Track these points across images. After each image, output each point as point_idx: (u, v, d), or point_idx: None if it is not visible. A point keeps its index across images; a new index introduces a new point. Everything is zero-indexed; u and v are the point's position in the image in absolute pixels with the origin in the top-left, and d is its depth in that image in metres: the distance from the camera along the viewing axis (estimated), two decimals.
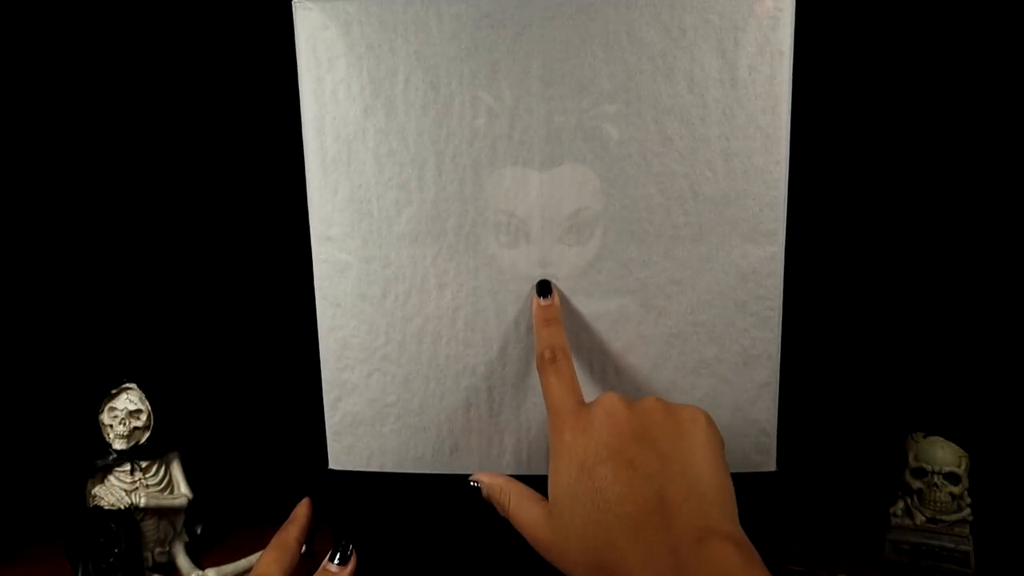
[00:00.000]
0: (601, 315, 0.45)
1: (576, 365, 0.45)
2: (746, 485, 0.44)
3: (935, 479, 0.53)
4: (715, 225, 0.44)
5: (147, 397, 0.55)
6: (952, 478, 0.53)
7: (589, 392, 0.46)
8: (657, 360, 0.45)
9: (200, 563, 0.58)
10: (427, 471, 0.47)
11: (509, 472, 0.47)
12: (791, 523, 0.48)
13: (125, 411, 0.55)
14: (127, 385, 0.56)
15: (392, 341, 0.46)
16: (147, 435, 0.56)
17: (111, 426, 0.56)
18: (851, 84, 0.59)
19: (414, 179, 0.44)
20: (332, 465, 0.48)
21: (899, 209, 0.61)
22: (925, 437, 0.55)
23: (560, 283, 0.45)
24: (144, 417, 0.56)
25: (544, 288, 0.44)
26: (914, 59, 0.58)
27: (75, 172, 0.62)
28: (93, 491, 0.56)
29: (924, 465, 0.54)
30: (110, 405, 0.56)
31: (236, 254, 0.63)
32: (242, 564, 0.57)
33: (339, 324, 0.46)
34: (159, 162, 0.62)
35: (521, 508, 0.38)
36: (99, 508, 0.55)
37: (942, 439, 0.54)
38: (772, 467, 0.46)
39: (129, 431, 0.55)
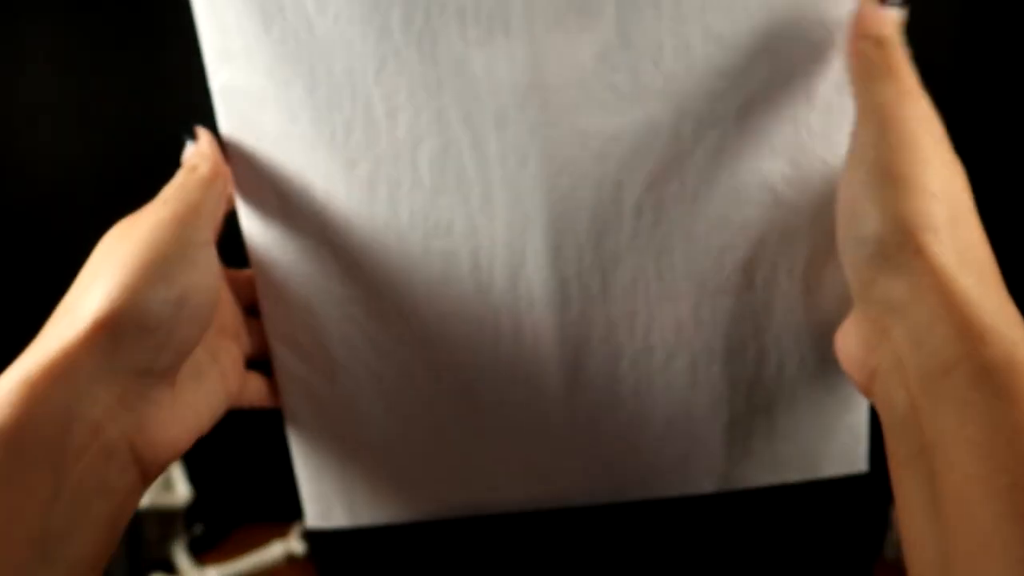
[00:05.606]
0: (619, 134, 0.32)
1: (591, 203, 0.33)
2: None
3: None
4: None
5: None
6: None
7: (610, 247, 0.33)
8: (700, 187, 0.32)
9: (200, 563, 0.56)
10: (401, 372, 0.35)
11: (507, 368, 0.35)
12: (791, 522, 0.40)
13: None
14: None
15: (335, 197, 0.33)
16: None
17: None
18: None
19: None
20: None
21: None
22: None
23: (560, 92, 0.31)
24: None
25: None
26: None
27: (73, 170, 0.52)
28: None
29: None
30: None
31: (236, 255, 0.52)
32: (242, 564, 0.54)
33: (259, 172, 0.33)
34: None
35: None
36: None
37: None
38: None
39: None
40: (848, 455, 0.36)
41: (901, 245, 0.27)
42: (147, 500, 0.53)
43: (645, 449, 0.36)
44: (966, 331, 0.25)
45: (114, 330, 0.27)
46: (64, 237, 0.50)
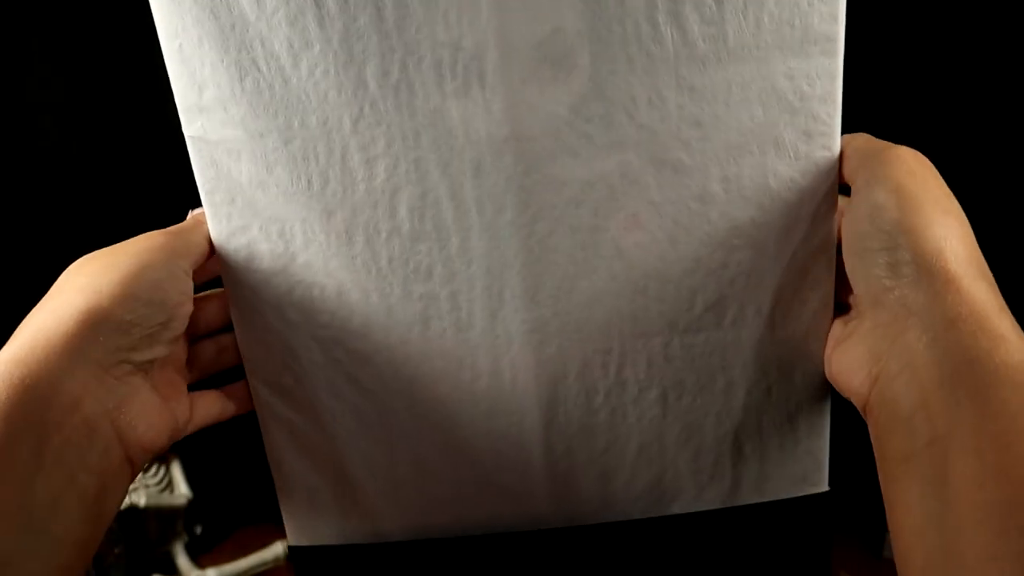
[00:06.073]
0: (595, 181, 0.33)
1: (567, 247, 0.34)
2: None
3: None
4: (745, 34, 0.31)
5: None
6: None
7: (586, 288, 0.34)
8: (675, 233, 0.33)
9: (200, 563, 0.56)
10: (384, 409, 0.36)
11: (486, 404, 0.36)
12: (790, 522, 0.42)
13: None
14: None
15: (313, 243, 0.33)
16: None
17: None
18: None
19: (310, 8, 0.30)
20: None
21: None
22: None
23: (535, 143, 0.32)
24: None
25: None
26: None
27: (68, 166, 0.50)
28: None
29: None
30: None
31: None
32: (242, 564, 0.54)
33: (237, 227, 0.33)
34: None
35: None
36: None
37: None
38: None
39: None
40: (811, 477, 0.38)
41: (919, 254, 0.29)
42: (147, 500, 0.54)
43: (617, 476, 0.37)
44: (983, 332, 0.27)
45: (96, 321, 0.29)
46: (63, 236, 0.50)
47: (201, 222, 0.34)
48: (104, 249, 0.32)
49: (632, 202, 0.33)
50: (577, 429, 0.36)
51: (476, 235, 0.33)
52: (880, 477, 0.30)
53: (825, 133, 0.32)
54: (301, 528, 0.39)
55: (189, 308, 0.32)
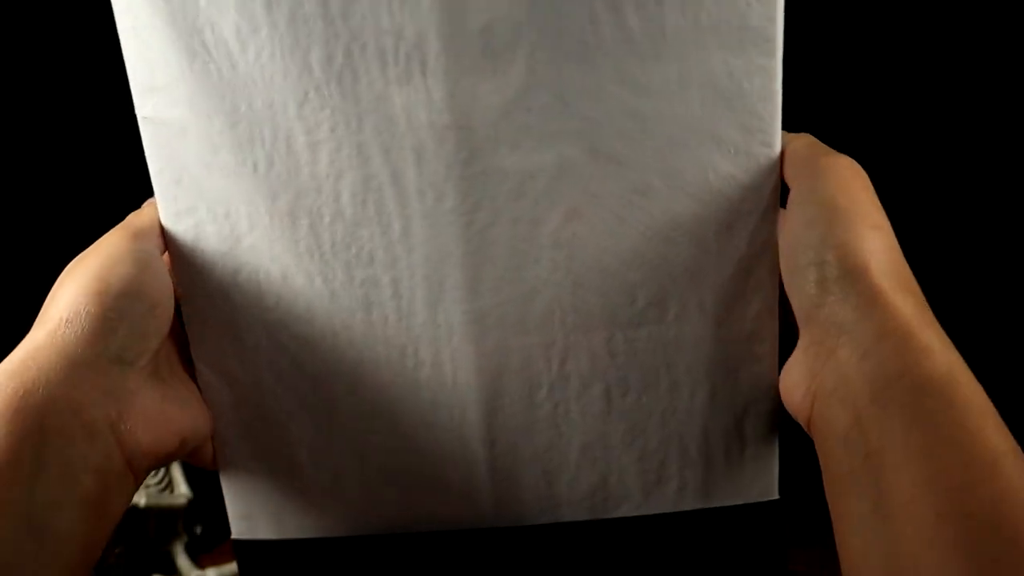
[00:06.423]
0: (535, 172, 0.33)
1: (508, 238, 0.34)
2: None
3: None
4: (685, 30, 0.31)
5: None
6: None
7: (521, 277, 0.34)
8: (615, 226, 0.33)
9: (200, 563, 0.56)
10: (327, 395, 0.36)
11: (428, 395, 0.36)
12: (790, 523, 0.41)
13: None
14: None
15: (257, 226, 0.34)
16: None
17: None
18: None
19: None
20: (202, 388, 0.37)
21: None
22: None
23: (476, 132, 0.32)
24: None
25: None
26: None
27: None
28: None
29: None
30: None
31: None
32: None
33: (184, 208, 0.34)
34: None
35: None
36: None
37: None
38: (773, 365, 0.35)
39: None
40: (760, 484, 0.37)
41: (847, 270, 0.29)
42: (147, 500, 0.54)
43: (561, 475, 0.37)
44: (910, 345, 0.27)
45: (82, 326, 0.30)
46: (62, 236, 0.51)
47: (153, 204, 0.35)
48: (76, 257, 0.33)
49: (572, 194, 0.33)
50: (519, 423, 0.36)
51: (417, 222, 0.33)
52: (826, 496, 0.29)
53: (764, 130, 0.32)
54: (243, 519, 0.39)
55: (169, 287, 0.33)
